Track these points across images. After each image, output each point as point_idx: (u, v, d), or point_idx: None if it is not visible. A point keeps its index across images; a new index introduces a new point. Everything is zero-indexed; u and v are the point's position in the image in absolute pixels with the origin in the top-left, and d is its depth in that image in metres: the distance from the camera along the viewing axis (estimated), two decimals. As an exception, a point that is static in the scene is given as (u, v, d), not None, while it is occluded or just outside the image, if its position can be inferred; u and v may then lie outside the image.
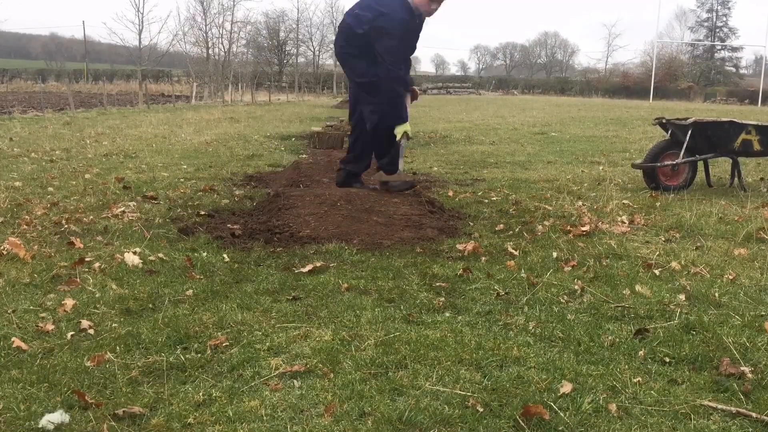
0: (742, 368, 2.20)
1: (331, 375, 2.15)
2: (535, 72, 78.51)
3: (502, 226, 4.32)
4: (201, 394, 2.02)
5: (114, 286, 2.96)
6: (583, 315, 2.72)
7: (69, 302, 2.71)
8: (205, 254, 3.51)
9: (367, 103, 5.03)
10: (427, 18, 5.10)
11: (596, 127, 14.59)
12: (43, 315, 2.62)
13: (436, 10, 4.98)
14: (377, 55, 4.86)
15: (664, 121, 6.09)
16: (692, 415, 1.94)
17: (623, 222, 4.43)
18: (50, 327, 2.48)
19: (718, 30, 64.50)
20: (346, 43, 5.00)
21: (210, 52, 39.10)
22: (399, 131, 4.97)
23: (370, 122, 5.02)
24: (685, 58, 62.84)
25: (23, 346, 2.32)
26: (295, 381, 2.11)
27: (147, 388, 2.05)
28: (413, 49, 5.25)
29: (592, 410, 1.95)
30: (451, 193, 5.59)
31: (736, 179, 6.09)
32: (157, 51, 39.27)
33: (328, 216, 4.06)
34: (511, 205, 5.09)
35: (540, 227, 4.24)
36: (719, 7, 64.01)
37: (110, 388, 2.05)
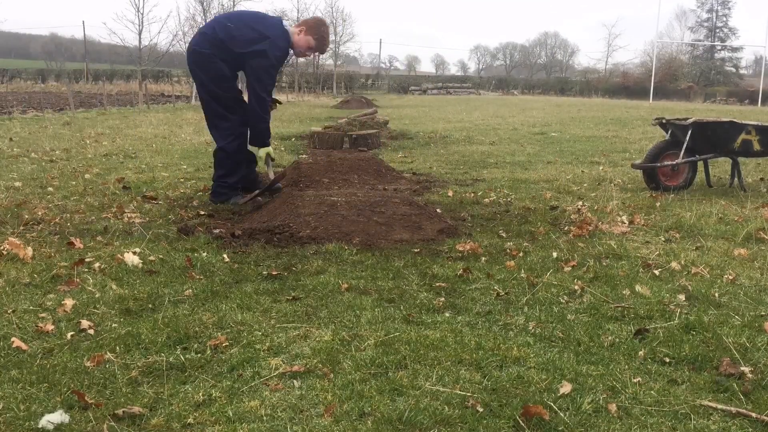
0: (742, 368, 2.20)
1: (331, 375, 2.15)
2: (535, 72, 78.53)
3: (501, 226, 4.32)
4: (201, 394, 2.02)
5: (114, 286, 2.96)
6: (583, 315, 2.72)
7: (69, 302, 2.71)
8: (204, 254, 3.51)
9: (223, 120, 4.99)
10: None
11: (596, 127, 14.59)
12: (43, 315, 2.62)
13: (308, 55, 5.18)
14: (249, 77, 4.83)
15: (663, 121, 6.10)
16: (692, 415, 1.94)
17: (623, 222, 4.43)
18: (50, 327, 2.48)
19: (718, 30, 64.49)
20: (212, 51, 4.84)
21: (210, 52, 39.07)
22: (262, 153, 5.08)
23: (229, 141, 5.03)
24: (685, 58, 62.81)
25: (23, 346, 2.32)
26: (295, 381, 2.11)
27: (147, 388, 2.05)
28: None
29: (592, 410, 1.95)
30: (451, 193, 5.59)
31: (736, 179, 6.10)
32: (157, 51, 39.27)
33: (328, 216, 4.06)
34: (510, 206, 5.10)
35: (540, 227, 4.24)
36: (719, 8, 64.02)
37: (110, 388, 2.05)
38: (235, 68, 4.99)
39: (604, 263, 3.47)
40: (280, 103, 5.33)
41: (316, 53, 5.14)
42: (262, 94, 4.86)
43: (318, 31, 4.98)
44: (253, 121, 4.97)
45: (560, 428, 1.86)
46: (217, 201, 5.04)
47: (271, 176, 5.19)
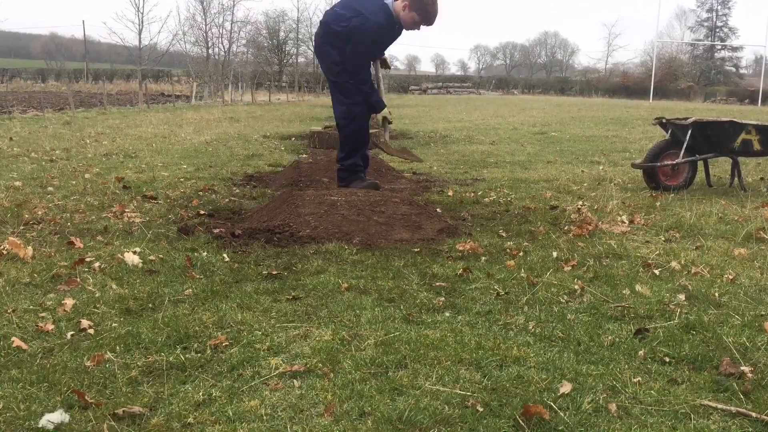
0: (742, 368, 2.20)
1: (331, 375, 2.15)
2: (535, 72, 78.43)
3: (501, 226, 4.32)
4: (201, 393, 2.02)
5: (114, 286, 2.96)
6: (583, 315, 2.72)
7: (69, 302, 2.71)
8: (204, 254, 3.51)
9: (340, 104, 5.05)
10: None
11: (596, 126, 14.59)
12: (43, 315, 2.62)
13: (416, 29, 4.95)
14: (343, 56, 4.90)
15: (664, 120, 6.09)
16: (692, 415, 1.94)
17: (623, 222, 4.43)
18: (50, 327, 2.48)
19: (718, 30, 64.48)
20: (324, 40, 4.97)
21: (210, 51, 39.09)
22: (379, 116, 5.20)
23: (344, 125, 5.07)
24: (685, 57, 62.79)
25: (23, 345, 2.32)
26: (295, 381, 2.11)
27: (147, 388, 2.05)
28: (381, 53, 5.25)
29: (592, 410, 1.95)
30: (451, 193, 5.59)
31: (736, 179, 6.09)
32: (157, 51, 39.25)
33: (328, 216, 4.06)
34: (510, 205, 5.10)
35: (540, 227, 4.24)
36: (719, 7, 64.01)
37: (110, 388, 2.05)
38: (342, 52, 4.98)
39: (604, 263, 3.47)
40: (389, 122, 5.48)
41: (424, 25, 5.05)
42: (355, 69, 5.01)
43: (419, 5, 4.85)
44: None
45: (560, 428, 1.86)
46: (340, 184, 5.08)
47: (386, 137, 5.53)
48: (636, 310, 2.77)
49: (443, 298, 2.89)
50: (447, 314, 2.72)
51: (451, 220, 4.42)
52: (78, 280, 3.03)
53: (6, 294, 2.85)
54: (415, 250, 3.64)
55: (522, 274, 3.22)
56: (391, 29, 4.92)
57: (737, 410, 1.96)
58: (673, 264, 3.41)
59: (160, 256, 3.45)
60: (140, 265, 3.27)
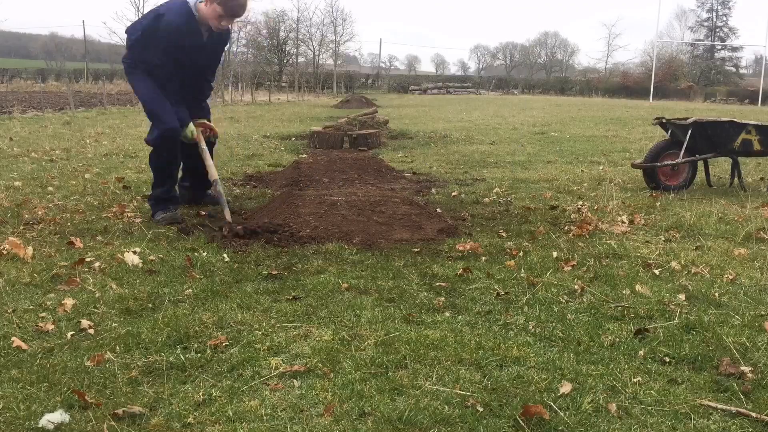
0: (742, 368, 2.20)
1: (331, 375, 2.15)
2: (535, 72, 78.36)
3: (501, 226, 4.32)
4: (201, 393, 2.02)
5: (114, 286, 2.96)
6: (583, 315, 2.72)
7: (69, 302, 2.71)
8: (205, 254, 3.51)
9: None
10: (222, 33, 4.39)
11: (596, 126, 14.59)
12: (43, 315, 2.62)
13: (225, 26, 4.29)
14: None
15: (664, 120, 6.09)
16: (692, 415, 1.94)
17: (623, 222, 4.43)
18: (50, 327, 2.48)
19: (718, 30, 64.49)
20: (128, 54, 4.38)
21: (210, 51, 39.03)
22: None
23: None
24: (685, 57, 62.80)
25: (23, 345, 2.32)
26: (295, 381, 2.11)
27: (147, 388, 2.05)
28: (197, 66, 4.47)
29: (592, 410, 1.95)
30: (451, 193, 5.59)
31: (736, 179, 6.09)
32: (157, 51, 39.19)
33: (328, 216, 4.06)
34: (510, 205, 5.10)
35: (540, 227, 4.24)
36: (719, 7, 64.03)
37: (110, 388, 2.05)
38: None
39: (604, 263, 3.47)
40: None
41: (233, 19, 4.35)
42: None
43: None
44: None
45: (560, 428, 1.86)
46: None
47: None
48: (636, 310, 2.77)
49: (443, 298, 2.89)
50: (447, 314, 2.72)
51: (451, 220, 4.42)
52: (78, 280, 3.03)
53: (6, 294, 2.85)
54: (415, 250, 3.64)
55: (522, 274, 3.22)
56: (192, 34, 4.24)
57: (737, 410, 1.96)
58: (673, 264, 3.41)
59: (160, 256, 3.45)
60: (140, 265, 3.27)
